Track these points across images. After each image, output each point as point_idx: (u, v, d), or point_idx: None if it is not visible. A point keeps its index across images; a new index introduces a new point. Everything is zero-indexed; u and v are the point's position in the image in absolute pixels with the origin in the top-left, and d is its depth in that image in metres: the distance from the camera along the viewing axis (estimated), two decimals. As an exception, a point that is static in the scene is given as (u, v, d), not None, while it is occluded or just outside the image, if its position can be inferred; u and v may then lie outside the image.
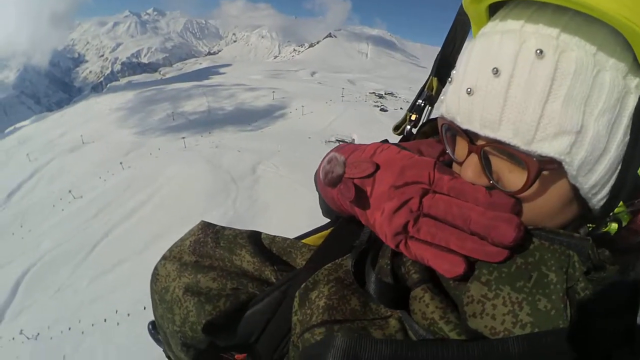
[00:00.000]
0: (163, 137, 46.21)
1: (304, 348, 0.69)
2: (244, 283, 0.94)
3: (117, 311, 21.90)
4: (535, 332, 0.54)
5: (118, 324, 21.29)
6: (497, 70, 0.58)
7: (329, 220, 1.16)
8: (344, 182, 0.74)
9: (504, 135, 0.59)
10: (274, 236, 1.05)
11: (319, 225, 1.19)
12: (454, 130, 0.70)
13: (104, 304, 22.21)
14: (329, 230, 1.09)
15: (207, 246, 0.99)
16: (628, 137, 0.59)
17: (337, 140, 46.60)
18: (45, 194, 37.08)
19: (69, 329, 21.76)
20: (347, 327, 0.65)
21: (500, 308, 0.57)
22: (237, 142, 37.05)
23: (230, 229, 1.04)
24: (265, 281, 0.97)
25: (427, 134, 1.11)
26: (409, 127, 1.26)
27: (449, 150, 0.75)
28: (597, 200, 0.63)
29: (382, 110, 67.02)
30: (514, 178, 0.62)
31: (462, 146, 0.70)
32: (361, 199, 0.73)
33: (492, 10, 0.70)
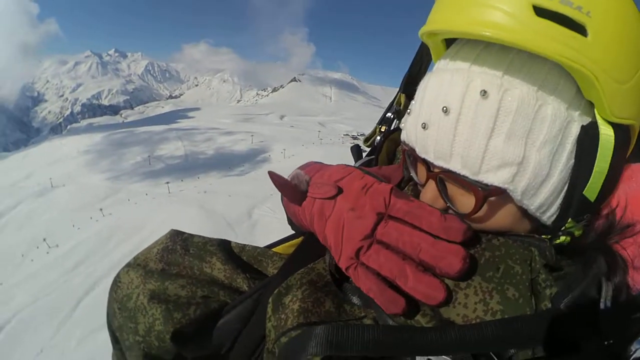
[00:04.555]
0: (142, 182, 44.37)
1: (280, 349, 0.68)
2: (215, 291, 0.92)
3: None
4: (506, 317, 0.58)
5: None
6: (446, 109, 0.64)
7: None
8: (308, 199, 0.77)
9: (454, 166, 0.65)
10: (244, 245, 1.03)
11: (289, 234, 1.18)
12: (414, 157, 0.77)
13: (99, 369, 19.92)
14: (299, 239, 1.08)
15: (175, 253, 0.96)
16: (572, 161, 0.64)
17: (326, 183, 45.90)
18: (14, 242, 34.02)
19: (60, 401, 19.48)
20: None
21: (472, 297, 0.60)
22: (225, 187, 35.87)
23: (199, 236, 1.01)
24: (237, 289, 0.95)
25: (396, 140, 1.16)
26: (379, 137, 1.33)
27: (412, 173, 0.81)
28: (547, 217, 0.68)
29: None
30: (465, 201, 0.68)
31: (422, 171, 0.76)
32: (321, 219, 0.75)
33: (448, 42, 0.77)
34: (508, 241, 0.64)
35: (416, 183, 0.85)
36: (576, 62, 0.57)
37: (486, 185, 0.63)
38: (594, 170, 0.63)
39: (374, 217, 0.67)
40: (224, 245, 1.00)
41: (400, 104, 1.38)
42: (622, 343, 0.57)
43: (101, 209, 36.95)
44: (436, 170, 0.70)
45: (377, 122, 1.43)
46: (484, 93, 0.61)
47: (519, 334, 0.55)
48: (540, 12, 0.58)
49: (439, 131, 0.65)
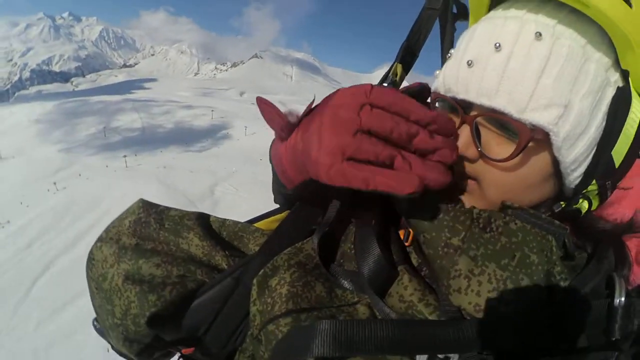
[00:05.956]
0: (97, 155, 42.58)
1: (276, 342, 0.63)
2: (191, 269, 0.86)
3: None
4: (520, 309, 0.57)
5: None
6: (499, 45, 0.65)
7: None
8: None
9: (499, 103, 0.64)
10: (224, 219, 0.98)
11: (271, 209, 1.14)
12: (447, 103, 0.75)
13: (63, 352, 19.11)
14: (283, 214, 1.06)
15: (149, 227, 0.89)
16: (604, 122, 0.67)
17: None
18: (-40, 220, 31.80)
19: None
20: (315, 316, 0.62)
21: (486, 285, 0.59)
22: (185, 163, 35.08)
23: (175, 209, 0.94)
24: (216, 267, 0.89)
25: None
26: None
27: None
28: (574, 177, 0.69)
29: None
30: (500, 150, 0.67)
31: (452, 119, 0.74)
32: (305, 132, 0.67)
33: (494, 4, 0.78)
34: (526, 226, 0.62)
35: None
36: (622, 23, 0.62)
37: (531, 124, 0.64)
38: (622, 133, 0.66)
39: (357, 106, 0.61)
40: (203, 220, 0.94)
41: (397, 74, 1.35)
42: (629, 339, 0.57)
43: (55, 183, 35.20)
44: (473, 113, 0.70)
45: None
46: (538, 35, 0.63)
47: (530, 327, 0.56)
48: None
49: (486, 67, 0.66)
